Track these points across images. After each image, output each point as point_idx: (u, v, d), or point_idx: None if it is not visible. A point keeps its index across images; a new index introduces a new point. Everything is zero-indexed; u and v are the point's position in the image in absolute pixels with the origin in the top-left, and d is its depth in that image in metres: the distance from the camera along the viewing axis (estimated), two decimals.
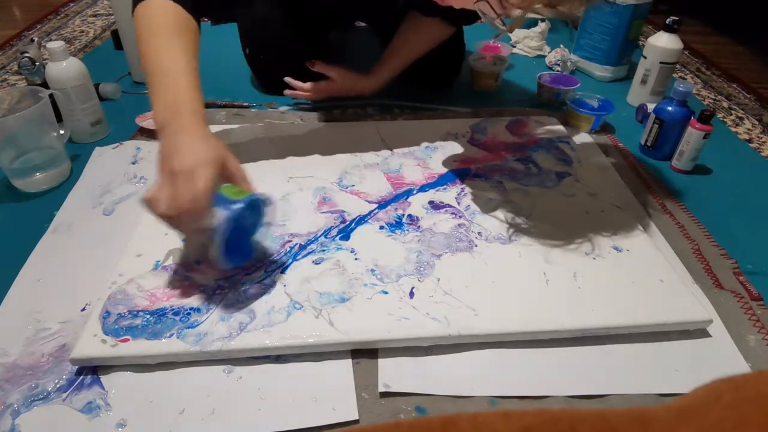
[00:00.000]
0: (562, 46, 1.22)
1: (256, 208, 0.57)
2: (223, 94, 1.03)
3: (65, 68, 0.82)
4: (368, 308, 0.57)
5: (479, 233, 0.68)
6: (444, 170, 0.80)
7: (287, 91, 0.94)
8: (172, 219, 0.53)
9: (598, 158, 0.88)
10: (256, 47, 1.03)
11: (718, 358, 0.55)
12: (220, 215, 0.52)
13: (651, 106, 0.94)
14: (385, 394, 0.51)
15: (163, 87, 0.60)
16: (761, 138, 0.99)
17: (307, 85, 0.93)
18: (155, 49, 0.62)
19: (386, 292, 0.59)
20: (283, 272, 0.61)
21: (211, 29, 1.39)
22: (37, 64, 0.89)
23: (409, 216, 0.70)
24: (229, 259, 0.55)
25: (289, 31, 0.98)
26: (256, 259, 0.62)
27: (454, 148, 0.86)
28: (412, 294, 0.59)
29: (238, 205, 0.53)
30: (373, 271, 0.61)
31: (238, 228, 0.54)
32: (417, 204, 0.73)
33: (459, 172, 0.80)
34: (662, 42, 0.98)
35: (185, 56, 0.63)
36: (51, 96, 0.77)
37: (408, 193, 0.75)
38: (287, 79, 0.93)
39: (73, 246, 0.67)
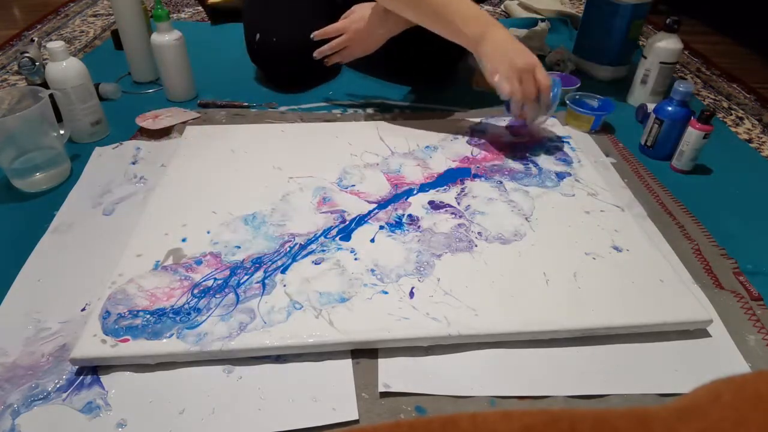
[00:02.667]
0: (562, 46, 1.22)
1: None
2: (223, 94, 1.03)
3: (65, 68, 0.82)
4: (368, 308, 0.57)
5: (479, 233, 0.68)
6: (444, 170, 0.80)
7: (319, 51, 0.92)
8: (522, 103, 0.77)
9: (598, 158, 0.88)
10: (268, 31, 1.00)
11: (718, 358, 0.55)
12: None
13: (651, 106, 0.94)
14: (385, 394, 0.51)
15: (458, 11, 0.76)
16: (761, 138, 0.99)
17: (333, 42, 0.91)
18: None
19: (386, 292, 0.59)
20: (283, 272, 0.61)
21: (211, 29, 1.39)
22: (37, 64, 0.89)
23: (409, 216, 0.70)
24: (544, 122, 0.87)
25: (303, 12, 0.97)
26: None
27: (454, 148, 0.86)
28: (412, 294, 0.59)
29: (559, 85, 0.81)
30: (373, 271, 0.61)
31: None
32: (417, 204, 0.73)
33: (459, 172, 0.80)
34: (662, 42, 0.98)
35: None
36: (51, 96, 0.77)
37: (408, 193, 0.75)
38: (317, 33, 0.92)
39: (73, 246, 0.67)
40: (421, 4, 0.78)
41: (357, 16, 0.92)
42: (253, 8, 1.04)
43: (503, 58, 0.75)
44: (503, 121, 0.94)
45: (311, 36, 0.92)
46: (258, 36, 1.01)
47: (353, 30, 0.91)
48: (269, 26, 1.01)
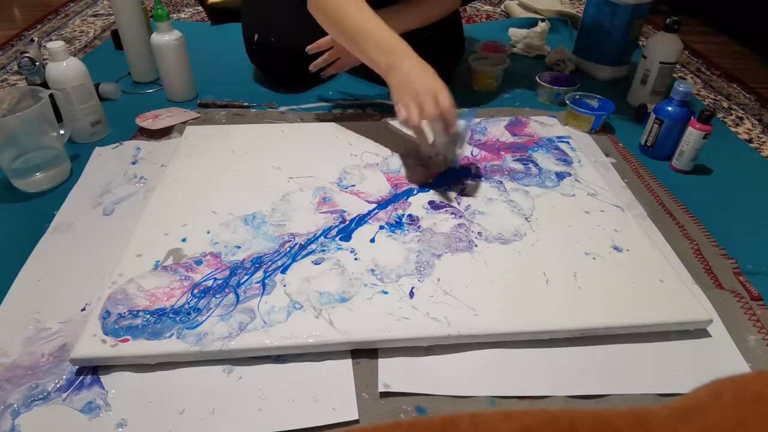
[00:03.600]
0: (562, 46, 1.22)
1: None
2: (223, 94, 1.03)
3: (65, 68, 0.82)
4: (368, 308, 0.57)
5: (479, 233, 0.68)
6: (444, 170, 0.80)
7: (314, 63, 0.93)
8: (419, 129, 0.72)
9: (598, 158, 0.88)
10: (266, 30, 1.00)
11: (718, 358, 0.55)
12: (460, 124, 0.74)
13: (651, 106, 0.94)
14: (385, 394, 0.51)
15: (374, 41, 0.75)
16: (761, 138, 0.99)
17: (326, 54, 0.92)
18: (350, 18, 0.77)
19: (386, 292, 0.59)
20: (283, 272, 0.61)
21: (211, 29, 1.39)
22: (37, 64, 0.89)
23: (409, 216, 0.70)
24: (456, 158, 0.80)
25: (302, 11, 0.97)
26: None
27: None
28: (412, 294, 0.59)
29: (472, 116, 0.77)
30: (373, 271, 0.61)
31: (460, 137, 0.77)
32: (417, 204, 0.73)
33: (459, 172, 0.80)
34: (662, 42, 0.98)
35: (374, 17, 0.77)
36: (51, 96, 0.77)
37: (408, 193, 0.75)
38: (311, 47, 0.91)
39: (73, 246, 0.67)
40: (345, 32, 0.78)
41: None
42: (252, 7, 1.04)
43: (406, 86, 0.73)
44: (503, 121, 0.94)
45: (306, 50, 0.92)
46: (256, 36, 1.01)
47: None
48: (268, 26, 1.01)
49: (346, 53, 0.91)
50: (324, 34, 0.90)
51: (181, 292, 0.58)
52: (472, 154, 0.85)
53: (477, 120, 0.94)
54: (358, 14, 0.77)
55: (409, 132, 0.76)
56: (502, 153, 0.85)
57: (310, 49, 0.92)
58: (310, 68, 0.94)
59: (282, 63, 1.01)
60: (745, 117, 1.07)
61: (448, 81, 1.07)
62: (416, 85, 0.72)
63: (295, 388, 0.51)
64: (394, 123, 0.91)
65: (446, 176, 0.79)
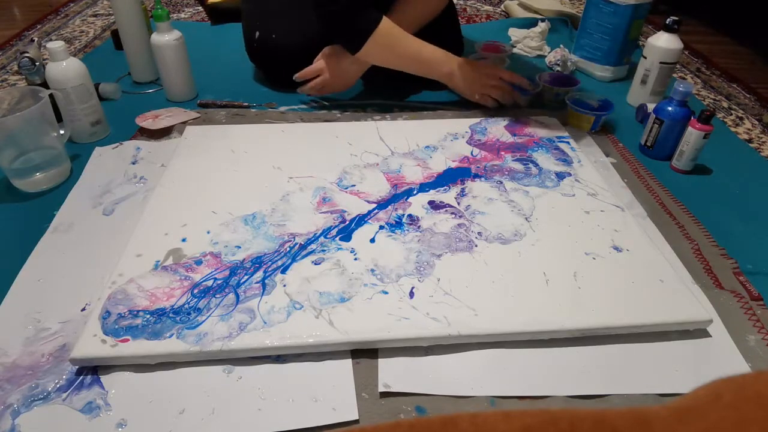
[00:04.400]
0: (562, 46, 1.22)
1: None
2: (223, 94, 1.03)
3: (65, 68, 0.82)
4: (368, 308, 0.57)
5: (479, 233, 0.68)
6: (444, 170, 0.80)
7: (301, 89, 0.99)
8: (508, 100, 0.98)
9: (598, 158, 0.88)
10: (266, 28, 1.01)
11: (718, 358, 0.55)
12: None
13: (651, 106, 0.94)
14: (385, 394, 0.51)
15: (432, 56, 0.95)
16: (761, 138, 0.99)
17: (311, 82, 0.98)
18: (408, 47, 0.93)
19: (386, 292, 0.59)
20: (283, 272, 0.61)
21: (211, 29, 1.39)
22: (37, 64, 0.89)
23: (409, 216, 0.70)
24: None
25: (302, 9, 0.97)
26: None
27: (454, 148, 0.86)
28: (412, 294, 0.59)
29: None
30: (373, 271, 0.61)
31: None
32: (417, 204, 0.73)
33: (459, 172, 0.80)
34: (662, 42, 0.98)
35: (419, 41, 0.94)
36: (51, 96, 0.77)
37: (408, 193, 0.75)
38: (298, 75, 0.97)
39: (73, 246, 0.67)
40: (402, 56, 0.94)
41: (330, 53, 0.96)
42: (252, 6, 1.04)
43: (471, 82, 0.95)
44: (503, 121, 0.94)
45: (294, 77, 0.98)
46: (257, 34, 1.01)
47: (329, 70, 0.96)
48: (268, 24, 1.01)
49: (332, 80, 0.97)
50: (315, 31, 0.93)
51: (181, 292, 0.58)
52: (472, 154, 0.85)
53: (572, 88, 1.03)
54: (411, 42, 0.93)
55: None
56: (502, 153, 0.85)
57: (297, 77, 0.98)
58: (297, 91, 1.00)
59: (282, 62, 1.01)
60: (745, 117, 1.07)
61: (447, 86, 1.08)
62: (478, 76, 0.95)
63: (295, 388, 0.51)
64: (394, 123, 0.91)
65: (446, 176, 0.79)
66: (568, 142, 0.88)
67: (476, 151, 0.85)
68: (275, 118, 0.96)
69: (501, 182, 0.78)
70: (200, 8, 1.55)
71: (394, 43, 0.92)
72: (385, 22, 0.89)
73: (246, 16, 1.06)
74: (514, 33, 1.31)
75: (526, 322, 0.56)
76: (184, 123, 0.92)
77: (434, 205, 0.73)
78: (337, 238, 0.66)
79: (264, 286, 0.59)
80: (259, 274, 0.60)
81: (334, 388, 0.51)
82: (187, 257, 0.63)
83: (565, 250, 0.66)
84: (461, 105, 1.02)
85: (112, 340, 0.52)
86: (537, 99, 1.02)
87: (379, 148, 0.85)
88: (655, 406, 0.27)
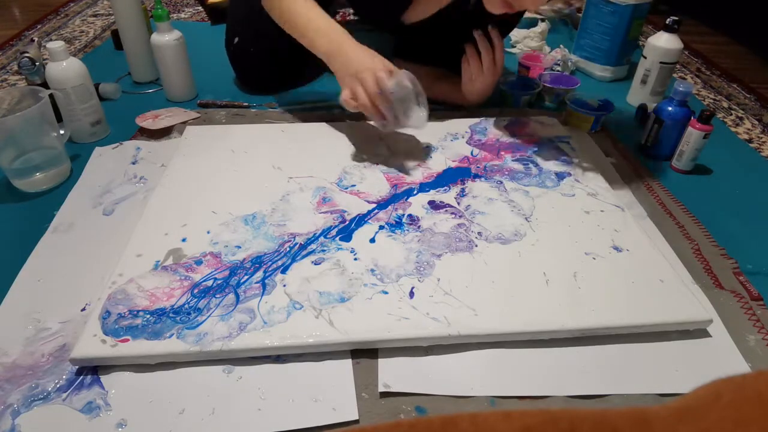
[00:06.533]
0: (561, 46, 1.22)
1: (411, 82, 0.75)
2: (223, 94, 1.03)
3: (65, 68, 0.82)
4: (368, 308, 0.57)
5: (479, 233, 0.68)
6: (444, 170, 0.80)
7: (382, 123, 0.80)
8: (367, 107, 0.74)
9: (598, 158, 0.88)
10: (247, 37, 1.01)
11: (718, 358, 0.55)
12: (400, 86, 0.73)
13: (651, 106, 0.94)
14: (385, 394, 0.51)
15: (320, 35, 0.79)
16: (761, 138, 0.99)
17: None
18: (299, 14, 0.82)
19: (386, 292, 0.59)
20: (283, 272, 0.61)
21: (211, 29, 1.39)
22: (37, 64, 0.89)
23: (409, 216, 0.70)
24: (418, 118, 0.77)
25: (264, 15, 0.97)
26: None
27: (454, 148, 0.86)
28: (412, 294, 0.59)
29: (405, 81, 0.73)
30: (373, 271, 0.61)
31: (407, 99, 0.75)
32: (417, 204, 0.73)
33: (459, 172, 0.80)
34: (662, 42, 0.98)
35: (321, 12, 0.81)
36: (51, 96, 0.77)
37: (408, 193, 0.75)
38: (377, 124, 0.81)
39: (73, 246, 0.67)
40: (294, 26, 0.83)
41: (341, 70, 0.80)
42: (236, 10, 1.04)
43: (346, 69, 0.76)
44: (503, 121, 0.94)
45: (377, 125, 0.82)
46: (236, 40, 1.02)
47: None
48: (248, 35, 1.01)
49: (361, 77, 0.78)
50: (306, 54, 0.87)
51: (181, 292, 0.58)
52: (472, 154, 0.85)
53: (572, 88, 0.96)
54: (305, 9, 0.81)
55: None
56: (502, 153, 0.85)
57: (270, 83, 0.94)
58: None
59: (258, 70, 1.02)
60: (745, 117, 1.07)
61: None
62: (353, 64, 0.75)
63: (295, 388, 0.51)
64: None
65: (446, 176, 0.79)
66: (568, 142, 0.88)
67: (476, 151, 0.85)
68: (275, 118, 0.96)
69: (501, 182, 0.78)
70: (200, 8, 1.55)
71: (284, 2, 0.82)
72: None
73: (229, 19, 1.06)
74: (514, 33, 1.31)
75: (526, 322, 0.56)
76: (184, 123, 0.92)
77: (434, 205, 0.73)
78: (337, 238, 0.66)
79: (264, 286, 0.59)
80: (259, 274, 0.60)
81: (334, 388, 0.51)
82: (187, 257, 0.63)
83: (565, 250, 0.66)
84: (461, 106, 1.02)
85: (112, 340, 0.52)
86: (537, 99, 1.03)
87: (380, 148, 0.85)
88: (655, 406, 0.27)
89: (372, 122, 0.83)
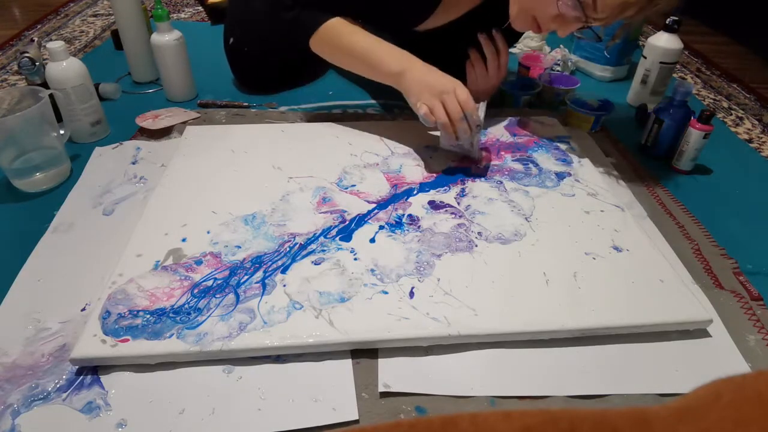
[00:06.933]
0: (561, 46, 1.22)
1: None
2: (223, 94, 1.03)
3: (65, 68, 0.82)
4: (368, 308, 0.57)
5: (479, 233, 0.68)
6: (444, 170, 0.80)
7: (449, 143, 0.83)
8: (447, 126, 0.76)
9: (598, 158, 0.88)
10: (242, 38, 1.01)
11: (718, 358, 0.55)
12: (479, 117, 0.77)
13: (651, 106, 0.94)
14: (385, 394, 0.51)
15: (383, 53, 0.81)
16: (761, 138, 0.99)
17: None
18: (356, 41, 0.82)
19: (386, 292, 0.59)
20: (283, 272, 0.61)
21: (211, 29, 1.39)
22: (37, 64, 0.89)
23: (409, 216, 0.70)
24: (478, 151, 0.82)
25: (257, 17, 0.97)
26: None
27: None
28: (412, 294, 0.59)
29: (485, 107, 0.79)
30: (373, 271, 0.61)
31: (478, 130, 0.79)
32: (417, 204, 0.73)
33: (459, 171, 0.80)
34: (662, 42, 0.98)
35: (376, 38, 0.83)
36: (51, 96, 0.77)
37: (408, 193, 0.75)
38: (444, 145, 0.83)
39: (73, 246, 0.67)
40: (352, 52, 0.83)
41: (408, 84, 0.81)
42: (234, 10, 1.04)
43: (423, 85, 0.77)
44: (503, 121, 0.94)
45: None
46: (231, 41, 1.02)
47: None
48: (243, 36, 1.01)
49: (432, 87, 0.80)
50: (302, 57, 0.90)
51: (181, 292, 0.58)
52: None
53: (572, 88, 0.97)
54: (363, 37, 0.82)
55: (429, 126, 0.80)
56: (502, 153, 0.85)
57: (267, 83, 0.95)
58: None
59: (254, 70, 1.02)
60: (745, 117, 1.07)
61: None
62: (433, 83, 0.76)
63: (295, 388, 0.51)
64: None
65: (446, 176, 0.79)
66: (568, 142, 0.88)
67: None
68: (275, 118, 0.96)
69: (501, 182, 0.78)
70: (200, 8, 1.55)
71: (340, 37, 0.83)
72: (338, 20, 0.83)
73: (227, 19, 1.06)
74: None
75: (526, 322, 0.56)
76: (184, 123, 0.92)
77: (434, 205, 0.73)
78: (337, 238, 0.66)
79: (264, 286, 0.59)
80: (259, 274, 0.60)
81: (334, 388, 0.51)
82: (187, 257, 0.63)
83: (565, 250, 0.66)
84: None
85: (112, 340, 0.52)
86: (537, 99, 1.03)
87: (379, 148, 0.85)
88: (655, 406, 0.27)
89: (431, 130, 0.88)
